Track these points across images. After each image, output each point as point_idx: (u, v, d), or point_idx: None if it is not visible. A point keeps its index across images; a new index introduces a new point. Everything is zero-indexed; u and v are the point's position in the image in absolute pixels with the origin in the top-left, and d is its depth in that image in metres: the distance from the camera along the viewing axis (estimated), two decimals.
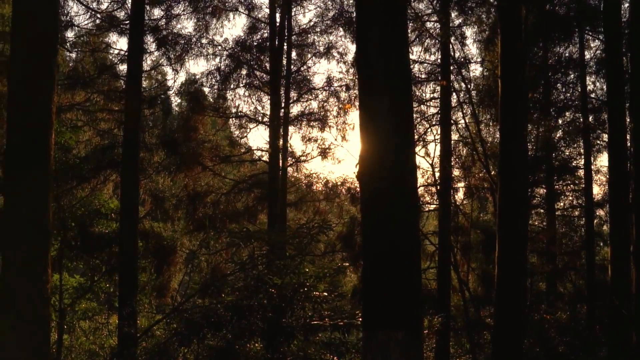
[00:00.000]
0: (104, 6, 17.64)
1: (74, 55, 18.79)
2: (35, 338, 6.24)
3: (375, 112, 5.11)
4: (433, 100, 19.70)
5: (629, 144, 13.61)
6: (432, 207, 20.00)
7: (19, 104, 6.62)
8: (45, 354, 6.31)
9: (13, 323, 6.21)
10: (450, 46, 17.65)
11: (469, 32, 19.45)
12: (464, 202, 20.30)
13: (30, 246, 6.35)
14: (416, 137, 18.14)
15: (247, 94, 19.32)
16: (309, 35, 19.61)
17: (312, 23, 19.81)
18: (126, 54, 16.87)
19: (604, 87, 20.31)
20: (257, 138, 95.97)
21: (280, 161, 18.52)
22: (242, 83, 19.23)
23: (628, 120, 14.52)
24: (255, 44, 19.14)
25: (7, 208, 6.52)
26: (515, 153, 9.72)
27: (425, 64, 19.44)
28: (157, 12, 25.42)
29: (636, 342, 10.59)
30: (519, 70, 9.82)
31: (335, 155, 19.58)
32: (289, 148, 19.50)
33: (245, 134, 20.19)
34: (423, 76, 19.46)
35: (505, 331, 9.13)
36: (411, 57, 17.72)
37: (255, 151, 20.01)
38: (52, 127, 6.60)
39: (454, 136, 19.70)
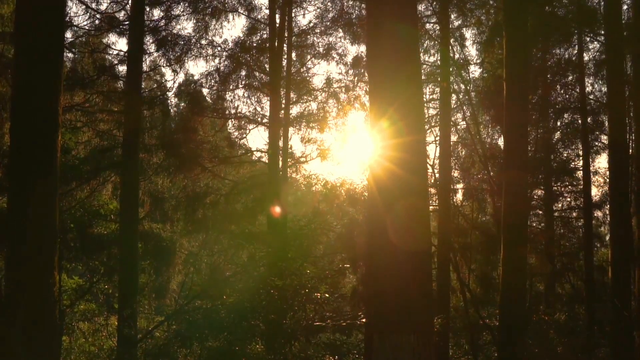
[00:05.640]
0: (103, 7, 17.54)
1: (71, 55, 18.71)
2: (42, 342, 6.19)
3: None
4: (432, 102, 19.73)
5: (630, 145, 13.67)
6: (432, 208, 20.01)
7: (24, 105, 6.55)
8: (53, 358, 6.27)
9: (20, 327, 6.16)
10: (450, 47, 17.66)
11: (469, 33, 19.61)
12: (463, 203, 20.34)
13: (36, 249, 6.30)
14: None
15: (246, 94, 19.29)
16: (309, 37, 19.59)
17: (311, 24, 19.82)
18: (126, 54, 16.83)
19: (603, 88, 20.39)
20: (257, 139, 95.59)
21: (280, 162, 18.48)
22: (241, 84, 19.20)
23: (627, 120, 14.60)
24: (254, 45, 19.10)
25: (13, 211, 6.46)
26: (519, 155, 9.73)
27: (425, 65, 19.46)
28: (157, 13, 25.37)
29: (639, 343, 10.64)
30: (523, 72, 9.84)
31: (334, 157, 19.59)
32: (288, 149, 19.48)
33: (244, 135, 20.15)
34: (423, 77, 19.47)
35: (510, 332, 9.14)
36: None
37: (254, 152, 19.98)
38: (59, 129, 6.55)
39: (453, 137, 19.73)
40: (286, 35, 18.69)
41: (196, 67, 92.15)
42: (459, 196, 20.51)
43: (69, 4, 17.41)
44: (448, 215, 17.18)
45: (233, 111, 19.54)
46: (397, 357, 4.52)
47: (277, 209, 17.30)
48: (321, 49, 19.53)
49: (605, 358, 16.32)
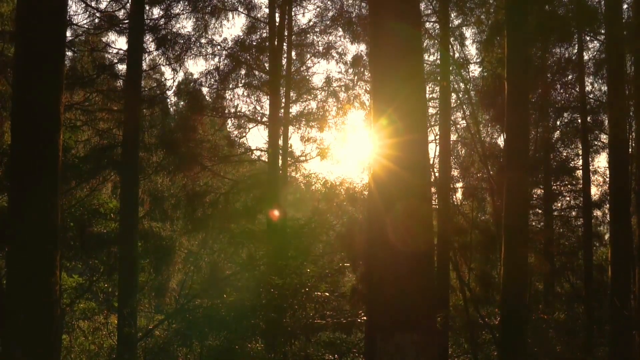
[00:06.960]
0: (103, 5, 17.53)
1: (71, 54, 18.68)
2: (43, 341, 6.18)
3: None
4: (432, 101, 19.73)
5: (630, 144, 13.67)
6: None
7: (25, 104, 6.53)
8: (54, 357, 6.25)
9: (21, 327, 6.15)
10: (450, 46, 17.65)
11: (469, 32, 19.70)
12: (463, 202, 20.33)
13: (37, 248, 6.29)
14: None
15: (246, 93, 19.31)
16: (309, 35, 19.61)
17: (311, 23, 19.83)
18: (125, 53, 16.81)
19: (603, 87, 20.39)
20: (256, 138, 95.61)
21: (280, 161, 18.48)
22: (241, 83, 19.21)
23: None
24: (254, 43, 19.10)
25: (13, 210, 6.44)
26: (520, 155, 9.74)
27: (425, 64, 19.46)
28: (157, 12, 25.28)
29: (639, 342, 10.64)
30: (523, 71, 9.85)
31: (334, 156, 19.60)
32: (288, 148, 19.49)
33: (244, 134, 20.18)
34: None
35: (509, 331, 9.15)
36: None
37: (254, 151, 19.98)
38: (60, 128, 6.54)
39: (453, 136, 19.74)
40: (286, 34, 18.70)
41: (196, 66, 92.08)
42: (459, 195, 20.51)
43: (69, 2, 17.38)
44: (447, 214, 17.17)
45: (233, 110, 19.58)
46: (401, 356, 4.53)
47: (276, 208, 17.31)
48: (321, 48, 19.57)
49: (604, 357, 16.34)
